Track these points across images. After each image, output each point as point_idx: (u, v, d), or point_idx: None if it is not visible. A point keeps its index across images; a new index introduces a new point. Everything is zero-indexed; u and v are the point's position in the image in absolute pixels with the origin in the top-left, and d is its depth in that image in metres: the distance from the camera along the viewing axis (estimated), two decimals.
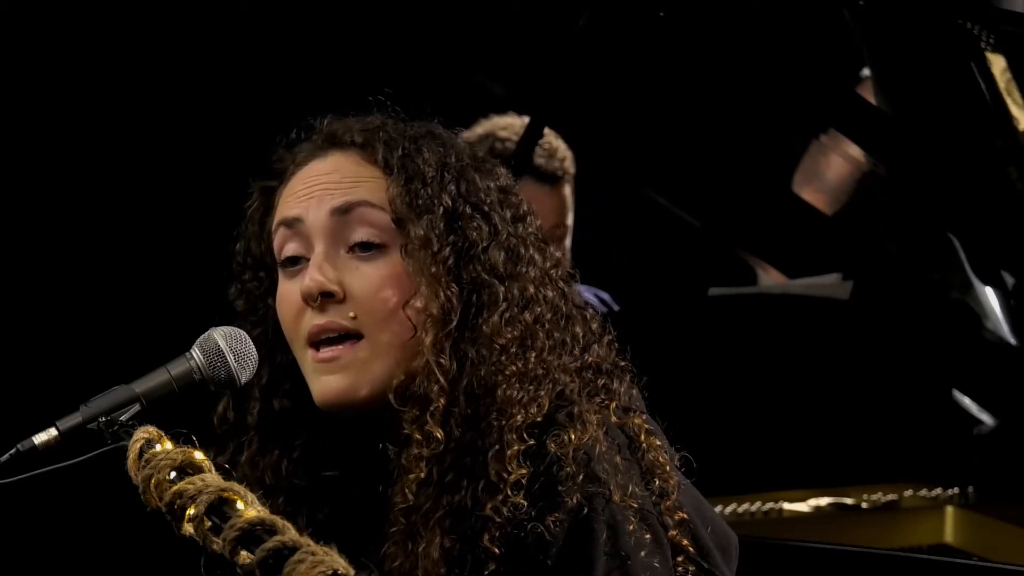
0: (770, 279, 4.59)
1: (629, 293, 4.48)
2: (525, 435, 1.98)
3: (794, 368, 3.96)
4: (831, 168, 4.19)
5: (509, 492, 1.95)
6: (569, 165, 4.06)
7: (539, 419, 2.00)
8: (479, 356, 2.02)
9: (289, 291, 2.08)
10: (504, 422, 1.99)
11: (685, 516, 2.05)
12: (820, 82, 3.83)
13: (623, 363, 2.15)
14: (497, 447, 1.98)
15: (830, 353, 4.00)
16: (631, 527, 1.96)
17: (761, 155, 4.12)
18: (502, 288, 2.05)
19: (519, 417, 1.99)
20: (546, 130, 3.96)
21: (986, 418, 4.07)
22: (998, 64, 3.45)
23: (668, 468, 2.06)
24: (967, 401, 4.07)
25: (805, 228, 4.29)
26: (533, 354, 2.03)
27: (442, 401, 2.00)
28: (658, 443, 2.08)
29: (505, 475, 1.96)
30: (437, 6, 4.10)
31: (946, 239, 4.02)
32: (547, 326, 2.07)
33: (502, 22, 4.00)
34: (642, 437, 2.07)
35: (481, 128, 4.04)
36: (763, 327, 4.05)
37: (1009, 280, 3.99)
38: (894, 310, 4.08)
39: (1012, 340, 3.99)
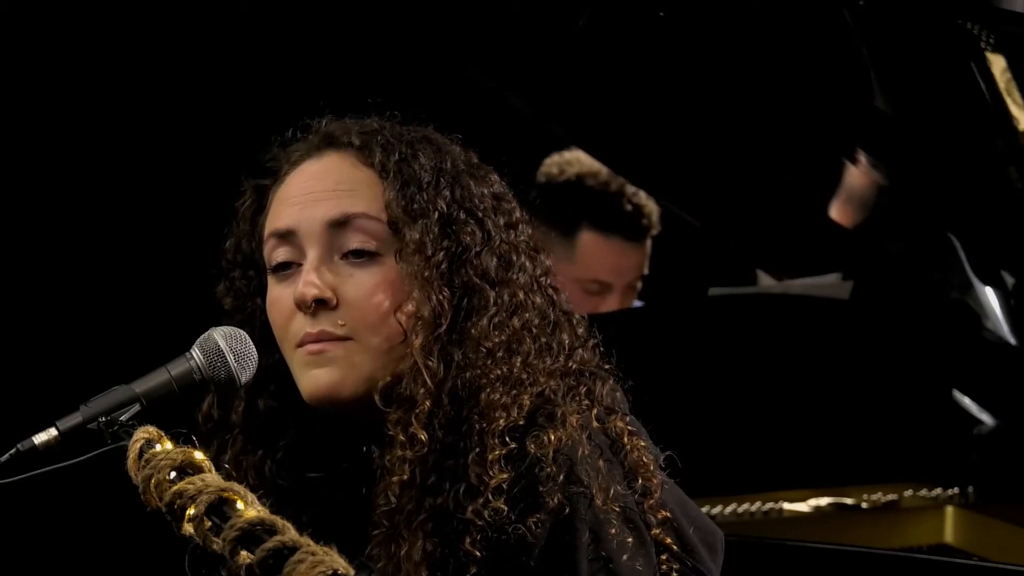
0: (770, 279, 4.59)
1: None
2: (507, 438, 1.99)
3: (794, 368, 3.96)
4: (850, 186, 4.19)
5: (490, 497, 1.96)
6: (655, 220, 4.12)
7: (520, 422, 2.00)
8: (465, 359, 2.03)
9: (281, 296, 2.09)
10: (486, 425, 1.99)
11: (668, 515, 2.05)
12: (819, 82, 3.83)
13: (607, 366, 2.15)
14: (478, 450, 1.98)
15: (830, 353, 4.00)
16: (613, 529, 1.97)
17: (761, 155, 4.12)
18: (492, 293, 2.06)
19: (501, 421, 1.99)
20: (631, 187, 4.02)
21: (986, 418, 4.07)
22: (998, 64, 3.45)
23: (651, 468, 2.06)
24: (967, 401, 4.06)
25: (805, 228, 4.29)
26: (519, 359, 2.04)
27: (427, 403, 2.00)
28: (642, 443, 2.08)
29: (486, 479, 1.97)
30: (437, 6, 4.10)
31: (946, 239, 4.02)
32: (534, 331, 2.08)
33: (502, 22, 3.99)
34: (625, 438, 2.07)
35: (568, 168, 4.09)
36: (763, 327, 4.05)
37: (1009, 280, 3.98)
38: (894, 310, 4.08)
39: (1012, 340, 3.99)
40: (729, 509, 3.70)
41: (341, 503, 2.13)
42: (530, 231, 2.17)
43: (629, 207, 4.09)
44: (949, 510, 3.75)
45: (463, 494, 1.97)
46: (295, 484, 2.15)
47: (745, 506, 3.72)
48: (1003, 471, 3.89)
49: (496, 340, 2.04)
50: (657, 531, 2.04)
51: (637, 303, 4.34)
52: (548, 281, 2.15)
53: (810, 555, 3.30)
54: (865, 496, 3.80)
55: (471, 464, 1.98)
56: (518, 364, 2.04)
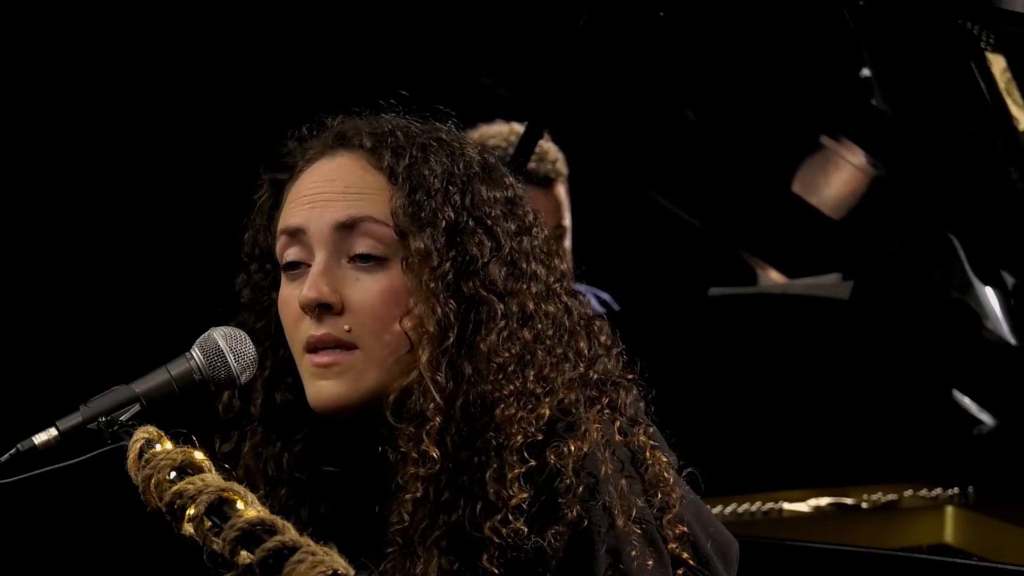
0: (770, 279, 4.59)
1: (630, 293, 4.48)
2: (526, 454, 1.96)
3: (794, 368, 3.96)
4: (831, 182, 4.19)
5: (510, 516, 1.93)
6: (561, 166, 4.08)
7: (539, 437, 1.98)
8: (476, 374, 1.99)
9: (290, 295, 2.08)
10: (504, 441, 1.96)
11: (685, 529, 2.04)
12: (820, 82, 3.83)
13: (630, 376, 2.12)
14: (496, 466, 1.96)
15: (830, 353, 4.00)
16: (634, 551, 1.95)
17: (761, 155, 4.12)
18: (501, 305, 2.02)
19: (519, 437, 1.97)
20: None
21: (986, 418, 4.07)
22: (998, 64, 3.45)
23: (671, 482, 2.04)
24: (967, 401, 4.07)
25: (805, 228, 4.29)
26: (532, 372, 2.01)
27: (438, 419, 1.98)
28: (664, 459, 2.06)
29: (505, 496, 1.94)
30: (438, 6, 4.10)
31: (946, 239, 4.02)
32: (548, 343, 2.04)
33: (502, 22, 4.00)
34: (647, 453, 2.05)
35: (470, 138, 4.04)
36: (763, 327, 4.05)
37: (1009, 280, 3.99)
38: (894, 310, 4.08)
39: (1012, 340, 3.99)
40: (729, 509, 3.70)
41: (359, 500, 2.11)
42: (542, 235, 2.12)
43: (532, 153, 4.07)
44: (949, 510, 3.75)
45: (480, 511, 1.95)
46: (313, 477, 2.13)
47: (745, 506, 3.72)
48: (1003, 471, 3.89)
49: (506, 354, 2.00)
50: (674, 545, 2.02)
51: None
52: (563, 287, 2.11)
53: (810, 555, 3.30)
54: (865, 496, 3.80)
55: (489, 481, 1.95)
56: (531, 377, 2.00)
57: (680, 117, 4.07)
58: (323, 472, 2.13)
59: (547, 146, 4.04)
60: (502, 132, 4.05)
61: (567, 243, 4.09)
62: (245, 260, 2.18)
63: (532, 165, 4.00)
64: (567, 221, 4.09)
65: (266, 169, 2.17)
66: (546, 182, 4.04)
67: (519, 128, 4.03)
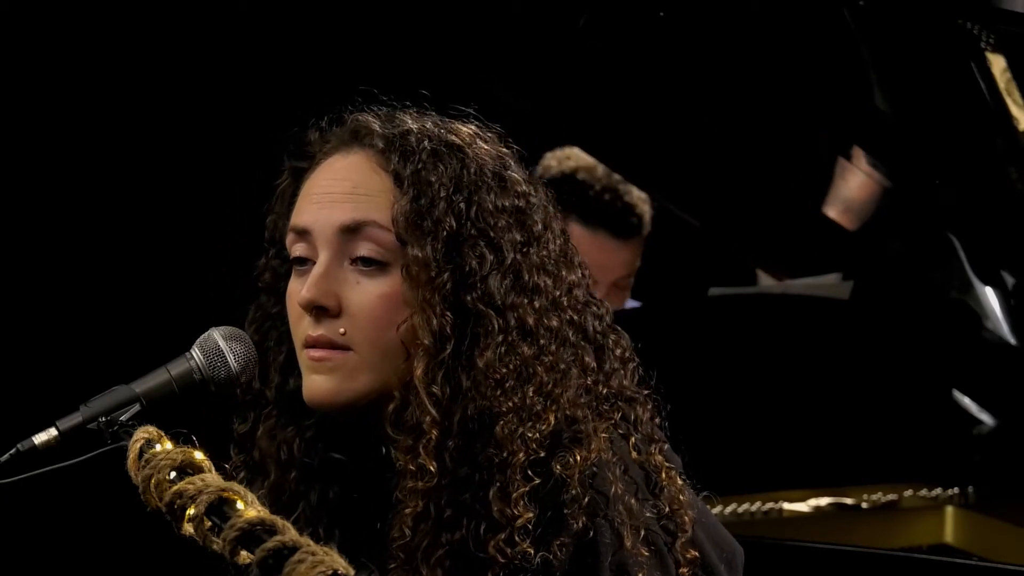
0: (770, 279, 4.59)
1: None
2: (530, 472, 1.95)
3: (794, 368, 3.96)
4: (848, 188, 4.19)
5: (516, 537, 1.92)
6: (648, 221, 4.10)
7: (542, 454, 1.96)
8: (474, 389, 1.97)
9: (295, 291, 2.08)
10: (507, 457, 1.95)
11: (697, 555, 2.02)
12: (819, 82, 3.83)
13: (646, 392, 2.11)
14: (499, 484, 1.94)
15: (830, 353, 4.00)
16: (641, 573, 1.94)
17: (761, 155, 4.12)
18: (499, 320, 1.99)
19: (521, 454, 1.95)
20: (626, 183, 3.99)
21: (986, 418, 4.07)
22: (998, 64, 3.45)
23: (686, 504, 2.03)
24: (967, 401, 4.07)
25: (805, 228, 4.29)
26: (531, 388, 1.98)
27: (435, 433, 1.96)
28: (679, 481, 2.05)
29: (511, 516, 1.93)
30: (437, 6, 4.10)
31: (946, 239, 4.02)
32: (549, 358, 2.01)
33: (502, 22, 3.99)
34: (663, 474, 2.04)
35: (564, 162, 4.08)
36: (763, 327, 4.05)
37: (1009, 280, 3.99)
38: (894, 310, 4.08)
39: (1012, 340, 3.99)
40: (729, 509, 3.70)
41: (362, 496, 2.11)
42: (556, 244, 2.08)
43: (619, 204, 4.08)
44: (949, 510, 3.75)
45: (485, 530, 1.93)
46: (323, 463, 2.13)
47: (745, 506, 3.72)
48: (1003, 471, 3.89)
49: (504, 370, 1.97)
50: (685, 571, 2.01)
51: (633, 302, 4.34)
52: (573, 300, 2.07)
53: (810, 555, 3.30)
54: (865, 496, 3.80)
55: (492, 499, 1.93)
56: (531, 393, 1.98)
57: (679, 117, 4.06)
58: (332, 459, 2.13)
59: (639, 199, 4.07)
60: (590, 167, 4.07)
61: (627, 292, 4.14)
62: (266, 244, 2.17)
63: (618, 216, 4.02)
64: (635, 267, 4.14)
65: (289, 157, 2.16)
66: (628, 234, 4.07)
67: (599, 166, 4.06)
